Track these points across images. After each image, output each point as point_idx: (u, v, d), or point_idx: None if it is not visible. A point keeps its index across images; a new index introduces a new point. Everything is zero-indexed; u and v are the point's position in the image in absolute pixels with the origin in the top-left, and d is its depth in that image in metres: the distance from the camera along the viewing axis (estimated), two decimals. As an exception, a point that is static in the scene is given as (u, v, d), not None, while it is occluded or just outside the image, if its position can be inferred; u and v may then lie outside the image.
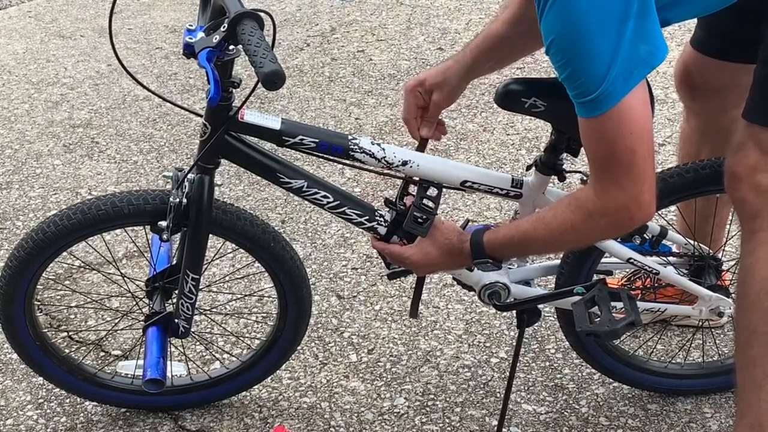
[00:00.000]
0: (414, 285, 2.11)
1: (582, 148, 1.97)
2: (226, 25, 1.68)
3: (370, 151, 1.94)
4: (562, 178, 2.01)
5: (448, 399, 2.39)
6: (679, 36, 4.21)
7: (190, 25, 1.79)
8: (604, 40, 1.54)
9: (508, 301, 2.08)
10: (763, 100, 1.81)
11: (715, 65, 2.16)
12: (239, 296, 2.76)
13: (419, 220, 1.95)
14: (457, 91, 2.07)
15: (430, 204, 1.96)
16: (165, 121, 3.82)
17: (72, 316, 2.69)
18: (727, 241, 2.39)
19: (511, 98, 1.92)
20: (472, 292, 2.13)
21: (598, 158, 1.66)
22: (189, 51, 1.75)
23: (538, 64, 4.22)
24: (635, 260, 2.09)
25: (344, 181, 3.33)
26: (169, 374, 2.18)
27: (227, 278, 2.82)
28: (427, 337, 2.60)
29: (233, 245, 2.16)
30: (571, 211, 1.75)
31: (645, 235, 2.09)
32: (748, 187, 1.82)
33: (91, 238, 2.18)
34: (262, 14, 1.68)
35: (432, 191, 1.97)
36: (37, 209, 3.22)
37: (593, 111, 1.60)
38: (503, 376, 2.45)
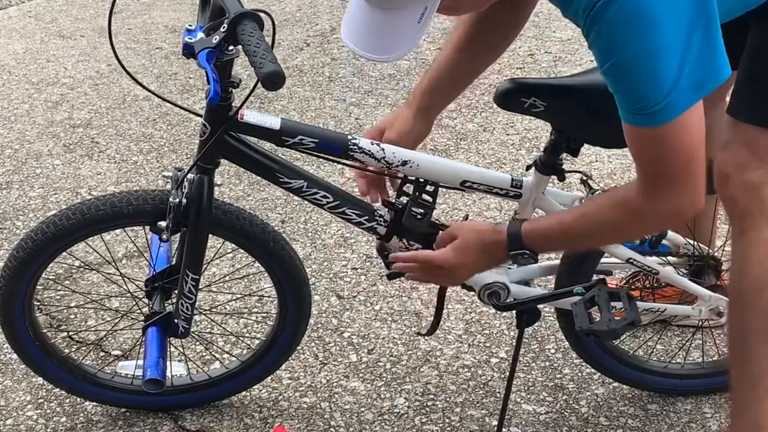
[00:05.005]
0: (436, 299, 2.09)
1: (581, 148, 1.99)
2: (225, 25, 1.68)
3: (369, 151, 1.94)
4: (561, 178, 2.01)
5: (448, 399, 2.39)
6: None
7: (189, 26, 1.79)
8: (672, 51, 1.50)
9: (507, 301, 2.08)
10: (752, 99, 1.80)
11: None
12: (239, 296, 2.76)
13: (418, 216, 1.95)
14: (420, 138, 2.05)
15: (428, 199, 1.97)
16: (165, 121, 3.82)
17: (72, 317, 2.69)
18: (726, 241, 2.39)
19: (510, 98, 1.92)
20: (471, 292, 2.13)
21: (654, 165, 1.62)
22: (189, 51, 1.75)
23: (538, 64, 4.22)
24: (635, 260, 2.09)
25: (344, 181, 3.33)
26: (169, 374, 2.18)
27: (227, 278, 2.82)
28: (427, 337, 2.60)
29: (233, 245, 2.16)
30: (617, 211, 1.71)
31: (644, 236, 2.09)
32: (737, 185, 1.80)
33: (91, 238, 2.18)
34: (261, 14, 1.68)
35: (429, 186, 1.97)
36: (37, 209, 3.22)
37: (654, 122, 1.55)
38: (503, 376, 2.45)
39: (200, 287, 2.12)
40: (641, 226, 1.76)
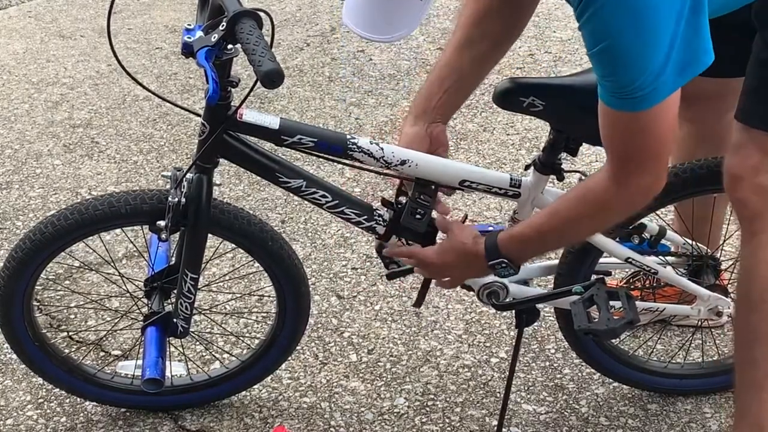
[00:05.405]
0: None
1: (580, 147, 1.98)
2: (224, 24, 1.69)
3: (368, 150, 1.94)
4: (560, 178, 2.01)
5: (448, 399, 2.39)
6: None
7: (188, 25, 1.79)
8: (663, 37, 1.50)
9: (506, 300, 2.08)
10: (764, 105, 1.80)
11: (704, 80, 2.16)
12: (238, 296, 2.76)
13: (417, 215, 1.95)
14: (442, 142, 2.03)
15: (427, 198, 1.96)
16: (165, 121, 3.82)
17: (71, 317, 2.69)
18: (725, 240, 2.39)
19: (509, 97, 1.92)
20: (471, 292, 2.12)
21: (629, 149, 1.63)
22: (187, 50, 1.75)
23: (538, 64, 4.22)
24: (634, 260, 2.09)
25: (344, 180, 3.33)
26: (168, 374, 2.18)
27: (226, 278, 2.81)
28: (427, 337, 2.60)
29: (232, 245, 2.16)
30: (585, 204, 1.73)
31: (644, 235, 2.08)
32: (749, 187, 1.81)
33: (90, 238, 2.18)
34: (260, 13, 1.68)
35: (428, 186, 1.97)
36: (37, 209, 3.22)
37: (638, 106, 1.56)
38: (503, 376, 2.44)
39: (199, 287, 2.12)
40: (611, 214, 1.76)
